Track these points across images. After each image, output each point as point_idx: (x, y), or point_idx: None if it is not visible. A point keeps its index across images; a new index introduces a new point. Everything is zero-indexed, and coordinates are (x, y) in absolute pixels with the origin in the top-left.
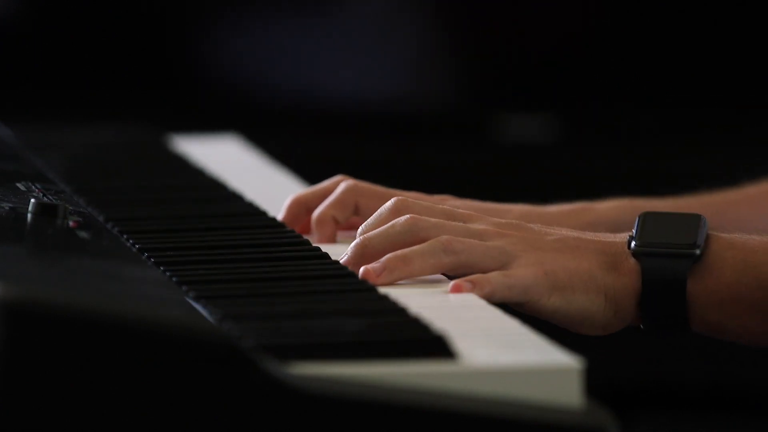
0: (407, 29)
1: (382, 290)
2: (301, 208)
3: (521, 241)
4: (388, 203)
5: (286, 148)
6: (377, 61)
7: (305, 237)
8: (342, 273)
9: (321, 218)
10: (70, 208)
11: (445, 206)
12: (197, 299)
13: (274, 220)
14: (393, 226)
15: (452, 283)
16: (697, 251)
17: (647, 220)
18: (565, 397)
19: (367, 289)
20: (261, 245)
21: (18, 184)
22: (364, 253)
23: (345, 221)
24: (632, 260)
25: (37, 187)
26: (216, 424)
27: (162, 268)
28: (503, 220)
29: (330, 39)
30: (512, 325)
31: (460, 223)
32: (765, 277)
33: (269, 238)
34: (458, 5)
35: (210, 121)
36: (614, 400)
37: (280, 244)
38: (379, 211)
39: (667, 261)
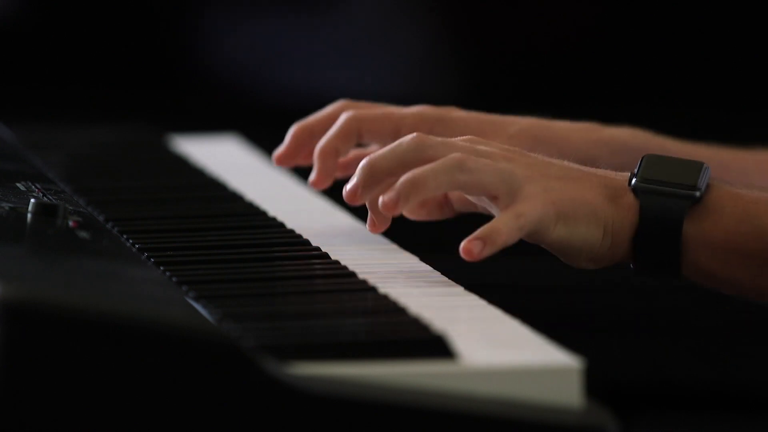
0: (408, 29)
1: (382, 290)
2: (306, 134)
3: (528, 166)
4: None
5: None
6: (378, 61)
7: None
8: (342, 273)
9: (325, 150)
10: (70, 208)
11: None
12: (197, 299)
13: (274, 220)
14: (399, 144)
15: (462, 245)
16: (697, 194)
17: (650, 160)
18: (565, 397)
19: (367, 289)
20: (261, 245)
21: (18, 184)
22: (372, 174)
23: (347, 152)
24: (631, 196)
25: (37, 187)
26: (216, 424)
27: (162, 268)
28: (507, 146)
29: (330, 39)
30: (512, 325)
31: (468, 143)
32: (763, 229)
33: (269, 238)
34: (459, 5)
35: (210, 121)
36: (614, 400)
37: (280, 244)
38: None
39: (666, 200)
